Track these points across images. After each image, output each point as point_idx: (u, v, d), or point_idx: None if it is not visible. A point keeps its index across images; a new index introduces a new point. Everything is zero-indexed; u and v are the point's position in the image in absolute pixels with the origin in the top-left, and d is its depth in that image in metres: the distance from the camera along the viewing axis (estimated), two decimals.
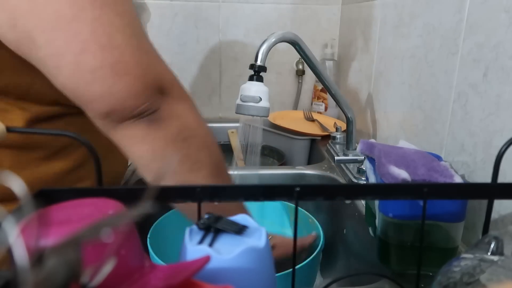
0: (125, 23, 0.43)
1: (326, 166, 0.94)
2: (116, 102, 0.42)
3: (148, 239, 0.64)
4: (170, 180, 0.48)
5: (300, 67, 1.34)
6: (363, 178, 0.81)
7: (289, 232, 0.78)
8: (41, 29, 0.40)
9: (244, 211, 0.55)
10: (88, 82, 0.41)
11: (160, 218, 0.70)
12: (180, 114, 0.48)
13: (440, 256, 0.49)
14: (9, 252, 0.20)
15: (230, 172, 0.69)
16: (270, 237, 0.62)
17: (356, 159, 0.84)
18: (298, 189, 0.32)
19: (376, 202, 0.53)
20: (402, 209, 0.48)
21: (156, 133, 0.46)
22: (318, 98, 1.30)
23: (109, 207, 0.27)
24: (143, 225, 0.65)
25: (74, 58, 0.41)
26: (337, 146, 1.00)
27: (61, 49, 0.41)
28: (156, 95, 0.45)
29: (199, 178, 0.49)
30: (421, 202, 0.47)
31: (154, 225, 0.68)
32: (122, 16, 0.43)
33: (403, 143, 0.61)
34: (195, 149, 0.49)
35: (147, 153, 0.47)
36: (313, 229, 0.72)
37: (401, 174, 0.50)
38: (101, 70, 0.41)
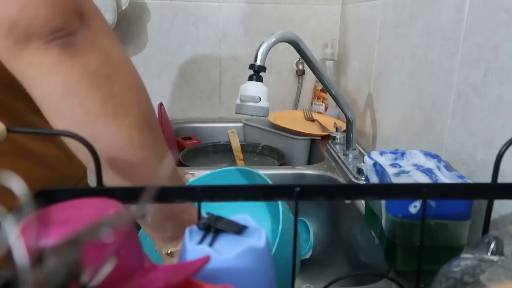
0: None
1: (326, 166, 0.94)
2: (23, 10, 0.34)
3: None
4: (88, 123, 0.39)
5: (300, 67, 1.34)
6: (363, 178, 0.81)
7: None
8: None
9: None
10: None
11: None
12: (103, 46, 0.39)
13: (448, 255, 0.49)
14: (9, 252, 0.20)
15: None
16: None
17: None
18: (298, 189, 0.32)
19: (382, 203, 0.53)
20: (414, 202, 0.48)
21: (71, 61, 0.37)
22: (318, 98, 1.31)
23: (109, 207, 0.27)
24: None
25: None
26: (337, 146, 1.00)
27: None
28: (74, 15, 0.36)
29: (124, 125, 0.40)
30: (431, 202, 0.47)
31: None
32: None
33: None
34: (120, 89, 0.40)
35: (57, 88, 0.37)
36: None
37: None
38: None
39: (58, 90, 0.37)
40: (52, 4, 0.35)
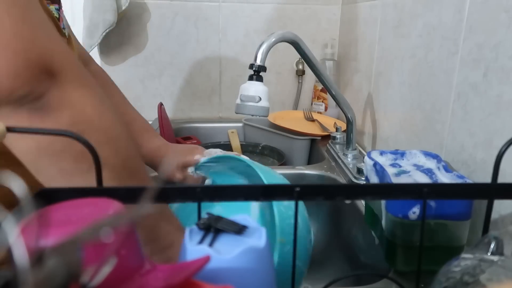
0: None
1: (326, 166, 0.94)
2: None
3: None
4: (64, 180, 0.40)
5: (300, 67, 1.34)
6: (363, 178, 0.81)
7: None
8: None
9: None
10: None
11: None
12: (75, 102, 0.39)
13: (448, 255, 0.49)
14: (9, 252, 0.20)
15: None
16: None
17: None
18: (298, 189, 0.32)
19: (382, 203, 0.53)
20: (413, 208, 0.48)
21: (42, 123, 0.37)
22: (318, 98, 1.31)
23: (109, 207, 0.27)
24: None
25: None
26: (337, 146, 1.00)
27: None
28: (41, 77, 0.37)
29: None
30: (431, 202, 0.47)
31: None
32: None
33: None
34: (94, 144, 0.39)
35: (30, 149, 0.39)
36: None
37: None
38: None
39: (32, 151, 0.39)
40: (15, 75, 0.35)
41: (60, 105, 0.38)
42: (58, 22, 0.55)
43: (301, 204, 0.54)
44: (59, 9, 0.57)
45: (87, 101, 0.40)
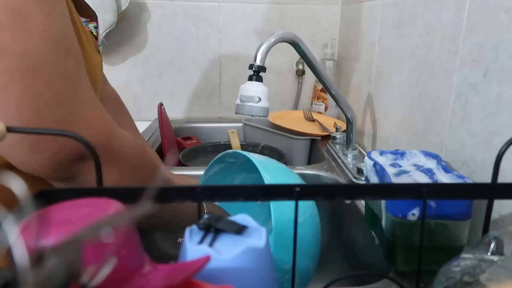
0: (54, 92, 0.42)
1: (326, 166, 0.94)
2: (33, 171, 0.44)
3: None
4: None
5: (300, 67, 1.35)
6: (363, 178, 0.81)
7: None
8: None
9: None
10: (7, 154, 0.43)
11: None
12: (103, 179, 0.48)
13: (448, 255, 0.49)
14: (9, 252, 0.20)
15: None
16: None
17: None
18: (298, 189, 0.32)
19: (382, 203, 0.53)
20: (412, 210, 0.48)
21: None
22: (318, 98, 1.31)
23: (109, 207, 0.27)
24: None
25: None
26: (337, 146, 1.00)
27: None
28: (74, 164, 0.45)
29: None
30: (431, 202, 0.47)
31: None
32: (53, 84, 0.42)
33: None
34: None
35: None
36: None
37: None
38: (20, 146, 0.42)
39: None
40: (52, 168, 0.44)
41: (86, 183, 0.47)
42: (95, 41, 0.57)
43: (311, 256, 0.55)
44: (97, 27, 0.59)
45: (109, 180, 0.47)
